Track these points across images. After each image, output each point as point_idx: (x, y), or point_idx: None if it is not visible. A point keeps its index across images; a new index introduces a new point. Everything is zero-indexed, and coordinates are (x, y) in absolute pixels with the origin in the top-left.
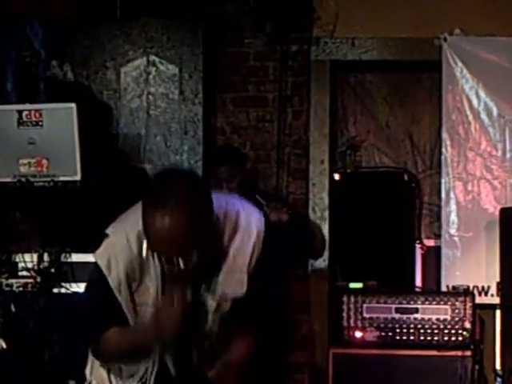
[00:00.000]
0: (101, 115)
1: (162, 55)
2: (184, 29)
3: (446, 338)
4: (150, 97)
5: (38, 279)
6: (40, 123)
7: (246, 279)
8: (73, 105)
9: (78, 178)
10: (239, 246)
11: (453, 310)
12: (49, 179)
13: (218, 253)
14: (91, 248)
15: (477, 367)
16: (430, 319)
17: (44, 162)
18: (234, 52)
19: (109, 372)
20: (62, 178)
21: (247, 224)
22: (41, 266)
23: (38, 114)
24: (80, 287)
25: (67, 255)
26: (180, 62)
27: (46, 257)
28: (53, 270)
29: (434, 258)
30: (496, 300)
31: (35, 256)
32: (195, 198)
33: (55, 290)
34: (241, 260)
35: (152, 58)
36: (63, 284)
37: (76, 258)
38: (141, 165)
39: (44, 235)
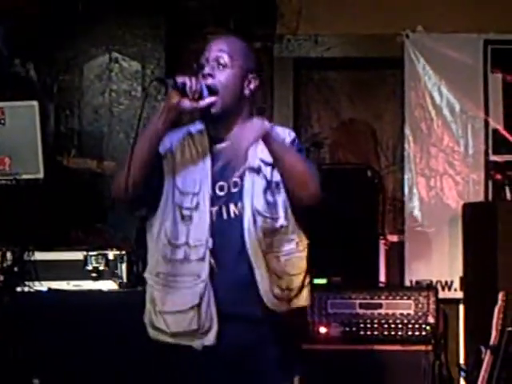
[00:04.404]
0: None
1: (125, 52)
2: (146, 25)
3: (409, 333)
4: (113, 94)
5: (1, 278)
6: (2, 121)
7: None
8: (35, 103)
9: (40, 176)
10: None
11: (416, 305)
12: (11, 177)
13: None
14: (54, 246)
15: (437, 362)
16: (393, 314)
17: (6, 160)
18: (196, 48)
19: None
20: (24, 176)
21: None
22: (4, 265)
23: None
24: (43, 286)
25: (30, 253)
26: (142, 58)
27: (8, 255)
28: (16, 269)
29: (397, 253)
30: (459, 294)
31: None
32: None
33: (18, 289)
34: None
35: (114, 54)
36: (26, 283)
37: (39, 256)
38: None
39: (7, 234)
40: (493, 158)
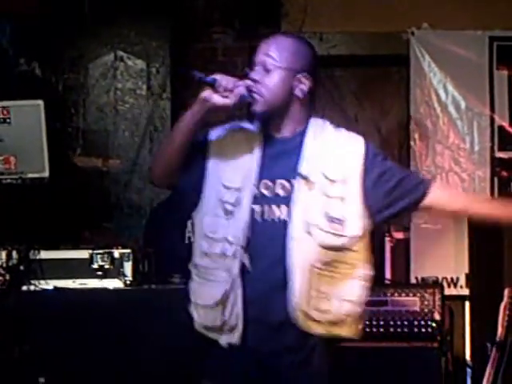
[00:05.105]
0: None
1: (130, 50)
2: (151, 24)
3: (415, 330)
4: (118, 92)
5: (7, 277)
6: (8, 120)
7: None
8: (40, 102)
9: (46, 174)
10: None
11: (422, 302)
12: (17, 176)
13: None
14: (59, 245)
15: (443, 359)
16: (399, 311)
17: (12, 159)
18: (202, 47)
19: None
20: (30, 175)
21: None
22: (9, 264)
23: (5, 112)
24: (49, 284)
25: (36, 252)
26: (147, 57)
27: (14, 254)
28: (22, 268)
29: (403, 250)
30: (465, 291)
31: (4, 253)
32: (307, 47)
33: (24, 288)
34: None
35: (119, 53)
36: (32, 281)
37: (45, 254)
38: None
39: (12, 232)
40: (498, 154)
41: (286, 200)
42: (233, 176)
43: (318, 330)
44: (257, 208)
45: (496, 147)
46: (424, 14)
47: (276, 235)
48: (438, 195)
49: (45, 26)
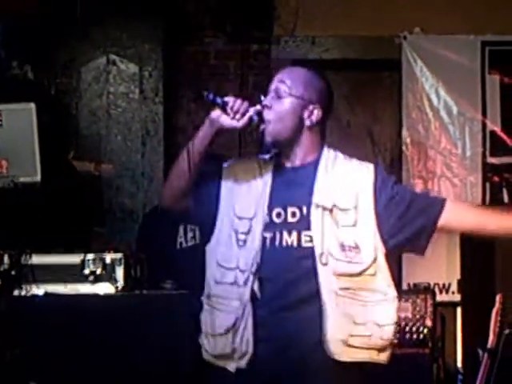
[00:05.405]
0: (61, 115)
1: (122, 54)
2: (144, 27)
3: (407, 336)
4: (111, 96)
5: None
6: None
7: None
8: (32, 105)
9: (38, 178)
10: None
11: (414, 308)
12: (9, 180)
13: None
14: (51, 249)
15: (435, 365)
16: None
17: (3, 162)
18: (194, 51)
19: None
20: (21, 179)
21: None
22: (1, 268)
23: None
24: (40, 289)
25: (27, 257)
26: (140, 60)
27: (6, 259)
28: (13, 272)
29: (394, 256)
30: (457, 297)
31: None
32: (321, 80)
33: (15, 293)
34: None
35: (112, 57)
36: (23, 286)
37: (36, 259)
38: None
39: (4, 237)
40: (490, 160)
41: (297, 226)
42: (245, 206)
43: (354, 356)
44: (268, 235)
45: (488, 152)
46: (416, 18)
47: (287, 261)
48: (453, 213)
49: (37, 29)
